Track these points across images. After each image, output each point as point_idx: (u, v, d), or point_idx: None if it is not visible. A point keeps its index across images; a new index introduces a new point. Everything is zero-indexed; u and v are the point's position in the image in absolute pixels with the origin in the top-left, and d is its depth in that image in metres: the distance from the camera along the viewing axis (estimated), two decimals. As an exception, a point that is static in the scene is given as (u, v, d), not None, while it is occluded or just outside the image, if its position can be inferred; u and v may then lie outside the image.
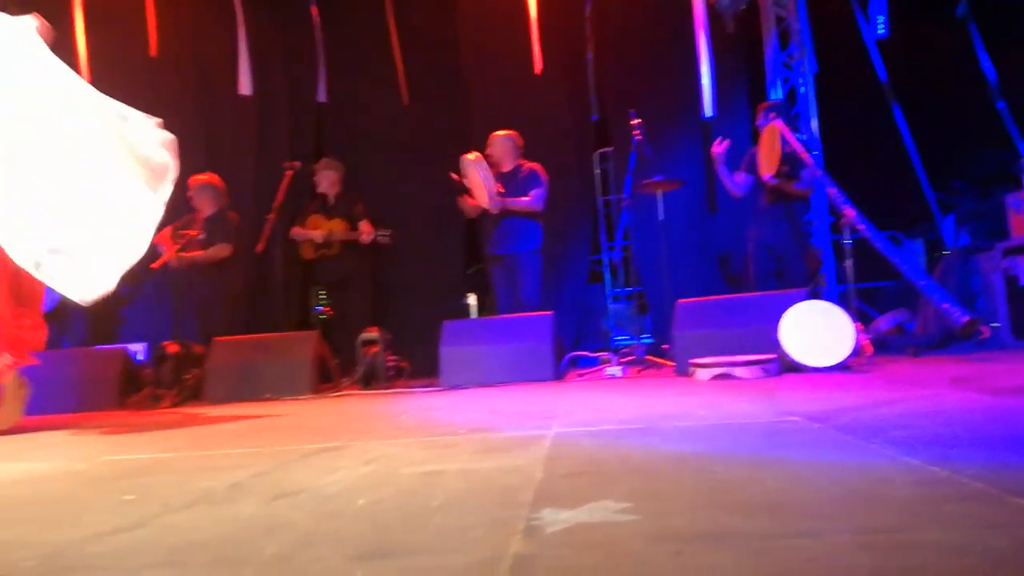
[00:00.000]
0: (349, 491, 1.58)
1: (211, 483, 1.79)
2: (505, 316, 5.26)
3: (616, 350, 5.37)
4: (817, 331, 3.89)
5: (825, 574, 0.92)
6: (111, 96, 6.78)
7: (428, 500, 1.43)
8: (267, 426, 3.16)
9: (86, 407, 4.67)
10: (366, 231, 5.86)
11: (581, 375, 4.80)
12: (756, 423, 2.24)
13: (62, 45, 6.38)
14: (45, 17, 6.66)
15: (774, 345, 3.92)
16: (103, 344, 5.87)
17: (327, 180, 6.06)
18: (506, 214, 5.29)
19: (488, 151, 5.41)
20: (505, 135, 5.45)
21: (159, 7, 6.64)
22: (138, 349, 5.68)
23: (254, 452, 2.32)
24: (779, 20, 6.35)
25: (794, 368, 3.90)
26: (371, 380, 5.04)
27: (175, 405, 4.73)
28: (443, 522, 1.26)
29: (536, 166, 5.41)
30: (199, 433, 3.08)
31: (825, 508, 1.20)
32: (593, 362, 5.17)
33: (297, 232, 6.01)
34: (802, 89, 6.27)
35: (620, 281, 7.38)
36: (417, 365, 5.43)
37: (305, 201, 6.29)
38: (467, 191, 5.32)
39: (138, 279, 6.54)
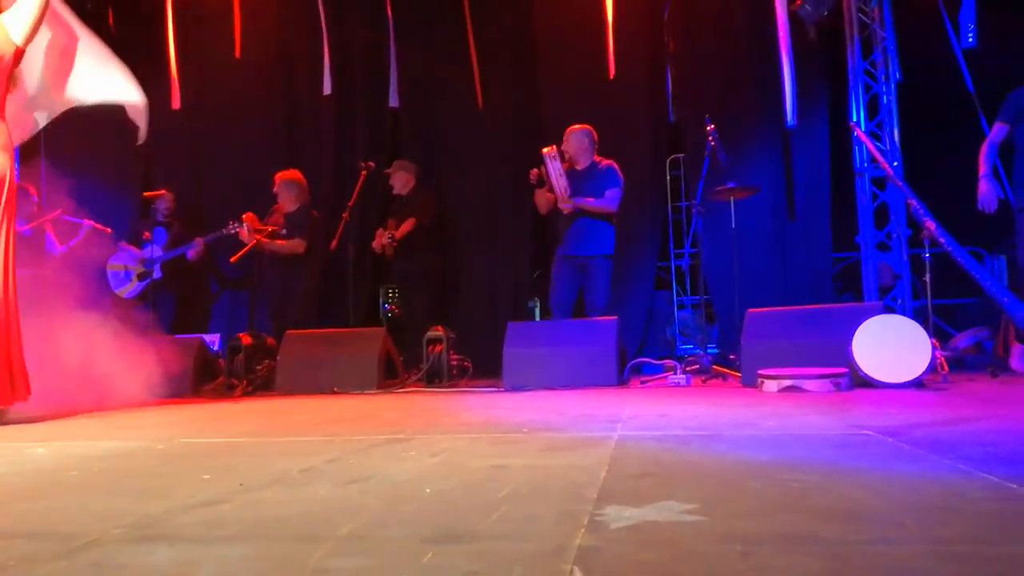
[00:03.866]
0: (417, 479, 1.62)
1: (285, 466, 1.85)
2: (569, 319, 5.26)
3: (681, 358, 5.31)
4: (892, 346, 3.78)
5: (899, 582, 0.90)
6: (197, 93, 7.08)
7: (494, 491, 1.46)
8: (335, 417, 3.24)
9: (163, 393, 4.84)
10: (401, 230, 5.91)
11: (644, 382, 4.77)
12: (826, 435, 2.20)
13: (155, 46, 6.73)
14: (140, 19, 7.01)
15: (846, 359, 3.84)
16: (184, 333, 6.09)
17: (400, 181, 6.15)
18: (579, 214, 5.23)
19: (564, 146, 5.33)
20: (581, 129, 5.36)
21: (244, 11, 6.87)
22: (213, 339, 5.87)
23: (324, 440, 2.38)
24: (863, 27, 6.20)
25: (866, 383, 3.80)
26: (435, 378, 5.11)
27: (246, 394, 4.88)
28: (509, 512, 1.28)
29: (613, 163, 5.32)
30: (270, 421, 3.18)
31: (900, 517, 1.17)
32: (657, 369, 5.13)
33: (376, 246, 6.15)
34: (885, 99, 6.10)
35: (687, 289, 7.30)
36: (480, 365, 5.47)
37: (384, 202, 6.42)
38: (544, 186, 5.29)
39: (222, 274, 6.82)
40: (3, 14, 3.39)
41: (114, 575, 1.01)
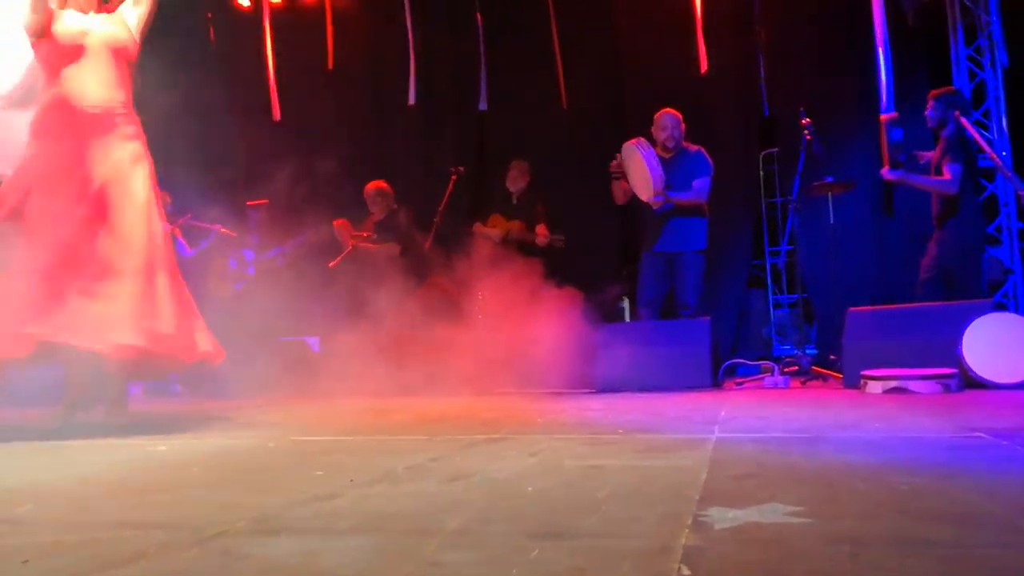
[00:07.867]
0: (518, 478, 1.65)
1: (391, 464, 1.92)
2: (661, 320, 5.19)
3: (778, 359, 5.19)
4: (1004, 345, 3.62)
5: (1018, 586, 0.88)
6: (292, 104, 7.29)
7: (594, 491, 1.48)
8: (433, 416, 3.31)
9: (270, 393, 5.04)
10: (542, 233, 5.93)
11: (740, 384, 4.69)
12: (936, 437, 2.13)
13: (254, 60, 7.02)
14: (240, 35, 7.31)
15: (955, 359, 3.68)
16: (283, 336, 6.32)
17: (517, 179, 6.16)
18: (672, 209, 5.05)
19: (655, 130, 5.16)
20: (675, 114, 5.18)
21: (337, 24, 7.09)
22: (314, 341, 6.07)
23: (425, 439, 2.45)
24: (966, 12, 5.93)
25: (977, 384, 3.64)
26: (527, 379, 5.13)
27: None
28: (611, 511, 1.30)
29: (702, 149, 5.13)
30: (373, 420, 3.28)
31: (1017, 521, 1.14)
32: (753, 371, 5.03)
33: (478, 228, 6.18)
34: (991, 86, 5.82)
35: (783, 287, 7.13)
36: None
37: (484, 197, 6.50)
38: (622, 178, 5.16)
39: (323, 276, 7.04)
40: (122, 7, 3.37)
41: (242, 564, 1.08)
